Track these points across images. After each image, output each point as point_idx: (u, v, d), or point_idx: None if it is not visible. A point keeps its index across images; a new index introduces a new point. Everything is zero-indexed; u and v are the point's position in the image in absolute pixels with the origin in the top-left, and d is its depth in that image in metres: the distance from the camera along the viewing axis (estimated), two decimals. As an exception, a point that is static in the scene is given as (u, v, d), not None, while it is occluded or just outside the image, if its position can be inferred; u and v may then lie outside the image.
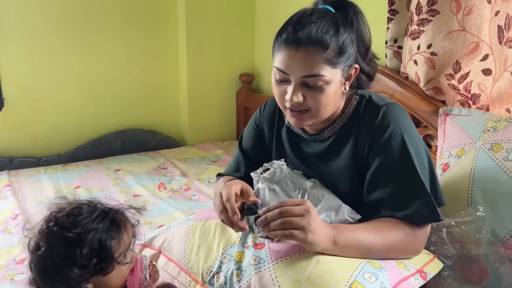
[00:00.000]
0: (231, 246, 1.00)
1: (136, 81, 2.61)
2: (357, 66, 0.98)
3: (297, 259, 0.90)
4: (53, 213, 0.83)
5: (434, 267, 1.02)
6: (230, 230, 1.04)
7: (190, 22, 2.55)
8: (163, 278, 1.24)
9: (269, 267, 0.89)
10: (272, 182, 1.05)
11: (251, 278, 0.89)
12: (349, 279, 0.83)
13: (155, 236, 1.18)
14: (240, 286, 0.90)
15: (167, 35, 2.62)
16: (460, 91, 1.47)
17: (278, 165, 1.07)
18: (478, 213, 1.15)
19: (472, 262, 1.15)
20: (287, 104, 0.97)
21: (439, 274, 1.10)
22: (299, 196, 1.02)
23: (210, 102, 2.73)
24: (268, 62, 2.64)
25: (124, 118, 2.62)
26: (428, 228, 1.00)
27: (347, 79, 0.98)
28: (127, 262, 0.87)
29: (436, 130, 1.47)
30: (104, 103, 2.55)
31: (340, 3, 0.97)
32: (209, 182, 2.02)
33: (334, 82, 0.94)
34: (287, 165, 1.08)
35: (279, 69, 0.95)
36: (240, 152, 1.23)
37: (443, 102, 1.54)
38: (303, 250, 0.91)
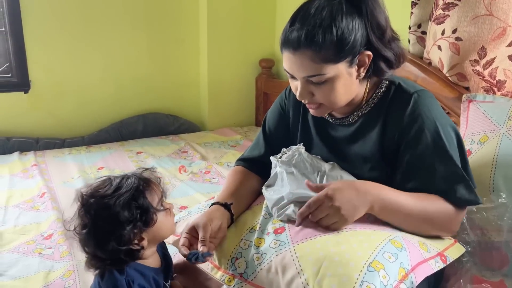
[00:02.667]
0: (250, 232, 1.01)
1: (157, 66, 2.64)
2: (369, 53, 0.94)
3: (318, 240, 0.91)
4: (83, 193, 0.87)
5: (455, 251, 1.01)
6: (249, 217, 1.06)
7: (212, 8, 2.56)
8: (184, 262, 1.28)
9: (289, 249, 0.91)
10: (290, 166, 1.05)
11: (271, 260, 0.90)
12: (368, 258, 0.84)
13: (177, 222, 1.19)
14: (261, 269, 0.91)
15: (188, 20, 2.64)
16: (485, 77, 1.45)
17: (296, 149, 1.07)
18: (500, 200, 1.14)
19: (493, 249, 1.14)
20: (301, 99, 1.00)
21: (458, 260, 1.11)
22: (318, 179, 1.03)
23: (230, 87, 2.74)
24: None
25: (146, 102, 2.66)
26: (465, 212, 1.01)
27: (360, 66, 0.96)
28: (166, 208, 0.92)
29: (459, 116, 1.45)
30: (126, 87, 2.59)
31: None
32: (228, 166, 2.05)
33: (340, 75, 0.93)
34: (312, 149, 1.09)
35: (285, 70, 0.98)
36: (262, 133, 1.23)
37: (467, 89, 1.52)
38: (324, 233, 0.92)
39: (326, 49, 0.89)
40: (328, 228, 0.91)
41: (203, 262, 0.92)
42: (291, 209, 0.97)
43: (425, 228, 0.97)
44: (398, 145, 0.99)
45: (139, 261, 0.90)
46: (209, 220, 0.98)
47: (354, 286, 0.79)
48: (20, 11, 2.21)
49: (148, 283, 0.89)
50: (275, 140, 1.20)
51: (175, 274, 1.09)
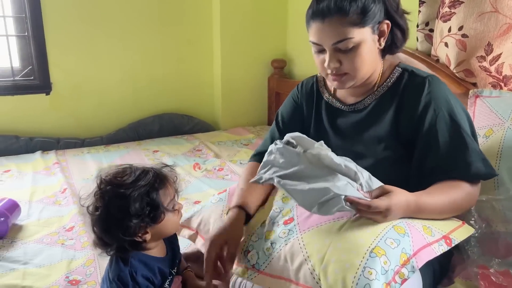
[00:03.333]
0: (261, 226, 1.05)
1: (172, 68, 2.72)
2: (388, 22, 1.04)
3: (323, 228, 0.95)
4: (102, 177, 0.92)
5: (462, 233, 1.03)
6: (260, 212, 1.10)
7: (224, 10, 2.63)
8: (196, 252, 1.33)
9: (297, 237, 0.95)
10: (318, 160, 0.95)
11: (281, 249, 0.95)
12: (371, 244, 0.87)
13: (191, 216, 1.23)
14: (272, 258, 0.96)
15: (202, 22, 2.71)
16: (491, 73, 1.47)
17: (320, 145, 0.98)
18: (510, 193, 1.17)
19: (499, 239, 1.16)
20: (328, 71, 1.06)
21: (464, 250, 1.13)
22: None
23: (243, 87, 2.80)
24: (300, 48, 2.68)
25: (161, 103, 2.74)
26: (479, 186, 1.07)
27: (380, 36, 1.05)
28: (175, 210, 0.97)
29: (466, 112, 1.48)
30: (143, 88, 2.67)
31: None
32: (241, 163, 2.10)
33: (365, 41, 1.02)
34: (326, 139, 1.13)
35: (313, 42, 1.05)
36: (276, 127, 1.28)
37: (474, 85, 1.54)
38: (329, 220, 0.96)
39: (352, 14, 0.99)
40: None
41: None
42: (340, 203, 0.88)
43: (454, 214, 1.04)
44: (417, 125, 1.05)
45: (145, 252, 0.94)
46: (238, 237, 1.03)
47: (356, 272, 0.83)
48: (42, 17, 2.31)
49: (152, 272, 0.94)
50: (289, 129, 1.19)
51: (188, 264, 1.14)
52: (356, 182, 0.92)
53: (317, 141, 1.00)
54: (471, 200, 1.06)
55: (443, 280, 1.13)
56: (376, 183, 0.96)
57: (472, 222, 1.14)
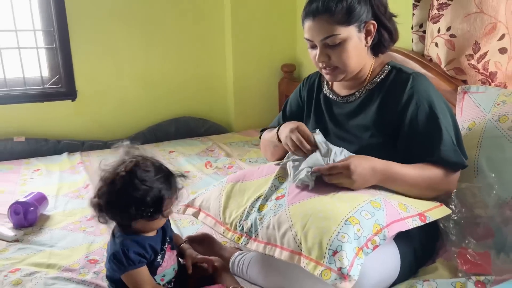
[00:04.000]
0: (257, 200, 1.19)
1: (188, 75, 2.89)
2: (374, 22, 1.17)
3: (308, 201, 1.07)
4: (126, 161, 1.01)
5: (438, 212, 1.13)
6: (258, 187, 1.23)
7: (235, 21, 2.78)
8: (202, 229, 1.47)
9: (285, 209, 1.08)
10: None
11: (270, 219, 1.08)
12: (347, 214, 0.99)
13: (195, 198, 1.39)
14: (262, 226, 1.09)
15: (215, 33, 2.88)
16: (479, 70, 1.55)
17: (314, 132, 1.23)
18: (487, 180, 1.25)
19: (480, 223, 1.23)
20: (320, 64, 1.21)
21: (446, 233, 1.22)
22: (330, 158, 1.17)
23: (254, 92, 2.94)
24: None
25: (178, 107, 2.91)
26: (457, 174, 1.18)
27: (367, 35, 1.18)
28: (166, 217, 1.07)
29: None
30: (160, 94, 2.85)
31: None
32: (249, 161, 2.23)
33: (351, 37, 1.15)
34: (323, 125, 1.32)
35: (307, 39, 1.20)
36: (282, 111, 1.50)
37: (464, 82, 1.62)
38: (315, 195, 1.08)
39: (338, 14, 1.12)
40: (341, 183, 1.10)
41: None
42: (303, 174, 1.12)
43: (428, 193, 1.15)
44: (400, 116, 1.17)
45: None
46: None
47: (331, 236, 0.95)
48: (68, 30, 2.51)
49: (143, 248, 1.03)
50: (293, 115, 1.45)
51: (186, 239, 1.26)
52: (329, 158, 1.12)
53: (317, 127, 1.28)
54: (448, 184, 1.16)
55: (427, 262, 1.22)
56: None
57: (452, 206, 1.23)
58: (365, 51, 1.21)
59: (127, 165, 1.01)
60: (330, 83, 1.37)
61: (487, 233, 1.24)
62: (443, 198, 1.21)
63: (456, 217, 1.22)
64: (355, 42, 1.17)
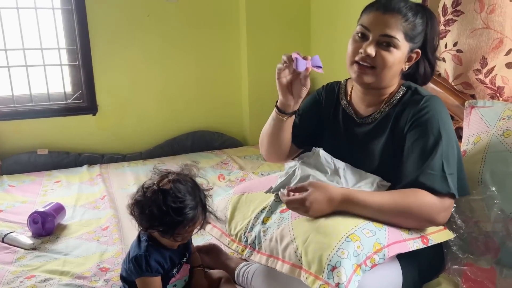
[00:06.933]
0: (261, 212, 1.22)
1: (204, 90, 2.97)
2: (419, 51, 1.17)
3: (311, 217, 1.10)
4: (172, 179, 1.08)
5: (441, 236, 1.11)
6: (263, 199, 1.26)
7: (251, 38, 2.87)
8: (208, 240, 1.51)
9: (288, 223, 1.10)
10: (309, 158, 1.26)
11: (273, 232, 1.11)
12: (348, 231, 1.00)
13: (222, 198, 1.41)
14: (265, 239, 1.12)
15: (230, 49, 2.97)
16: (487, 84, 1.56)
17: (315, 150, 1.27)
18: (488, 192, 1.25)
19: (484, 237, 1.22)
20: (357, 58, 1.14)
21: (450, 248, 1.21)
22: (327, 176, 1.20)
23: (269, 106, 2.95)
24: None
25: (195, 121, 2.99)
26: (446, 202, 1.07)
27: (408, 60, 1.17)
28: (177, 241, 1.11)
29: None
30: (178, 108, 2.94)
31: (421, 5, 1.19)
32: (262, 174, 2.27)
33: (402, 51, 1.13)
34: (340, 141, 1.29)
35: (363, 26, 1.14)
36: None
37: (472, 96, 1.62)
38: None
39: (408, 23, 1.12)
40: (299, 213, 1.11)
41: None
42: (280, 192, 1.19)
43: (403, 220, 1.06)
44: (405, 138, 1.14)
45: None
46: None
47: (331, 251, 0.96)
48: (90, 48, 2.64)
49: (164, 258, 1.10)
50: (304, 122, 1.37)
51: (201, 264, 1.30)
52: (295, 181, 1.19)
53: (332, 138, 1.31)
54: (431, 209, 1.06)
55: (432, 278, 1.21)
56: (351, 180, 1.13)
57: (452, 222, 1.22)
58: (399, 72, 1.19)
59: (164, 182, 1.07)
60: (349, 95, 1.31)
61: (493, 248, 1.23)
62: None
63: (461, 231, 1.22)
64: (400, 58, 1.14)
